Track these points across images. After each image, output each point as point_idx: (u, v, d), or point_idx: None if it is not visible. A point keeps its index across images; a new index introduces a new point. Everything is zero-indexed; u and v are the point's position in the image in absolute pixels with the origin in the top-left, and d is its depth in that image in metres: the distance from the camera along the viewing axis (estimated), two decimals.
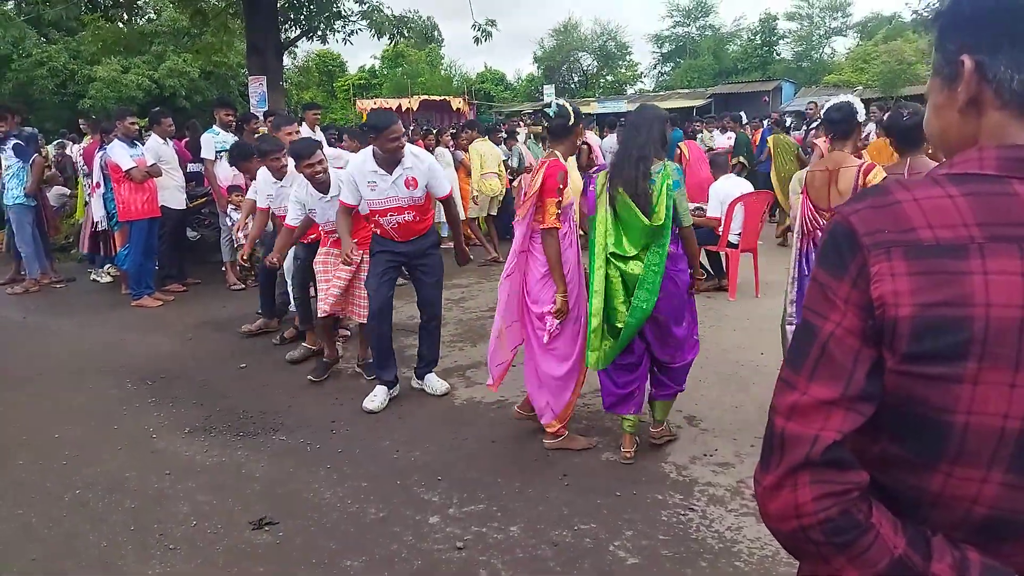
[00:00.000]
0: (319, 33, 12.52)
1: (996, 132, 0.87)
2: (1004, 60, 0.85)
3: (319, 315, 4.73)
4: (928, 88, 0.98)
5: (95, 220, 7.49)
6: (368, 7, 11.88)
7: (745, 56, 44.05)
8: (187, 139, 8.43)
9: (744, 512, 3.04)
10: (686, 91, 37.53)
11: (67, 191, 9.72)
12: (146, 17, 19.09)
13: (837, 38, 44.68)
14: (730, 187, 6.64)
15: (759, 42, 44.63)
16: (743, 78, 39.25)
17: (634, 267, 3.31)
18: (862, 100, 3.72)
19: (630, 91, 44.87)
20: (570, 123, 3.52)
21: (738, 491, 3.22)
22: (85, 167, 8.36)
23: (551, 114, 3.53)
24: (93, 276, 8.20)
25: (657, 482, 3.34)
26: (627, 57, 48.97)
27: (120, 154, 6.65)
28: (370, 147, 4.17)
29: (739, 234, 6.55)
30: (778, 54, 44.49)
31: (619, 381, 3.51)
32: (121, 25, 13.77)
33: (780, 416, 0.88)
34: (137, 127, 7.15)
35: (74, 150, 10.02)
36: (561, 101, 3.65)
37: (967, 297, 0.78)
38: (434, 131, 13.06)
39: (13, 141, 7.38)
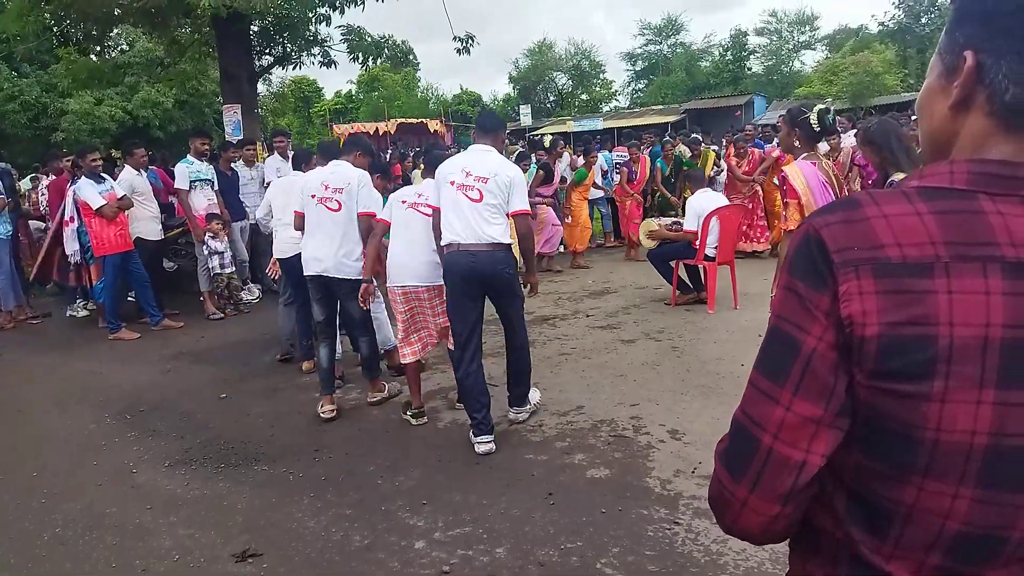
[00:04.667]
0: (293, 60, 12.53)
1: (975, 140, 0.86)
2: (1005, 68, 0.82)
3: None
4: (929, 67, 0.94)
5: (68, 254, 7.43)
6: (349, 31, 11.91)
7: (717, 71, 44.67)
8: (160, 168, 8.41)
9: None
10: (660, 107, 37.94)
11: (42, 224, 9.62)
12: (119, 48, 19.04)
13: (806, 51, 45.52)
14: (706, 201, 6.72)
15: (730, 57, 45.32)
16: (716, 93, 39.78)
17: None
18: (833, 111, 3.87)
19: (605, 109, 45.29)
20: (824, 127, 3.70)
21: None
22: (47, 205, 8.36)
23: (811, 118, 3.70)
24: (69, 312, 8.10)
25: (642, 497, 3.34)
26: (601, 76, 49.50)
27: (89, 193, 6.61)
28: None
29: (716, 247, 6.62)
30: (749, 69, 45.16)
31: None
32: (94, 58, 13.71)
33: (767, 433, 0.87)
34: (100, 162, 7.06)
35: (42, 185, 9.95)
36: (821, 106, 3.80)
37: (931, 316, 0.78)
38: (411, 155, 13.10)
39: None
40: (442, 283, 4.15)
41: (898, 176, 3.53)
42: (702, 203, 6.67)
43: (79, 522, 3.43)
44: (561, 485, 3.51)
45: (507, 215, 3.95)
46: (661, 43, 48.32)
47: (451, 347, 4.20)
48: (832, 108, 3.84)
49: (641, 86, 48.98)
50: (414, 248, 4.22)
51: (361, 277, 4.46)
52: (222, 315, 7.53)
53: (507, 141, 13.21)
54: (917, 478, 0.83)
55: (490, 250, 3.85)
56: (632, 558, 2.86)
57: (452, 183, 3.92)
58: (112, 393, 5.35)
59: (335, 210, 4.50)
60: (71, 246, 7.38)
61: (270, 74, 16.11)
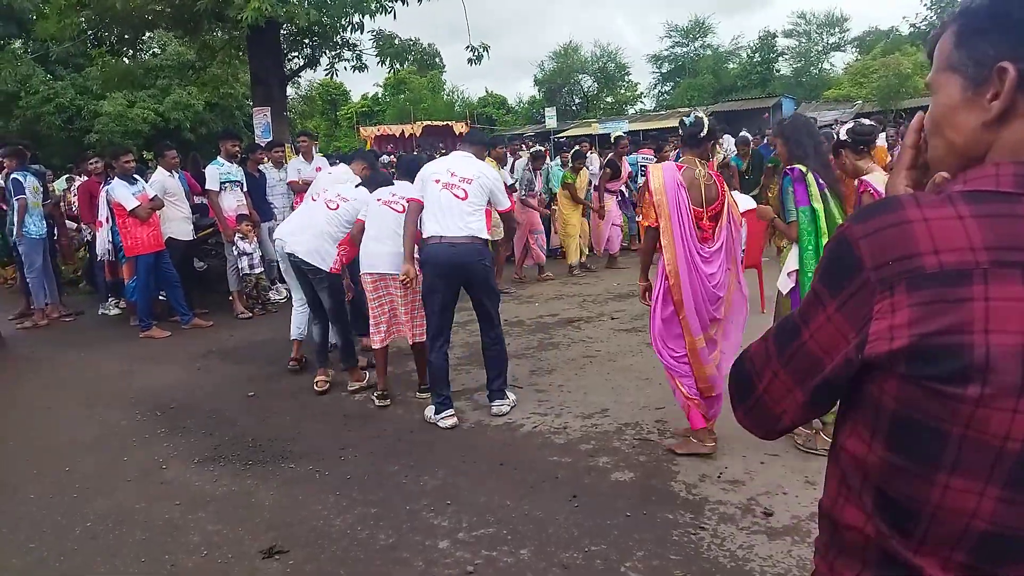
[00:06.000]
0: (322, 64, 12.68)
1: (1017, 145, 0.85)
2: None
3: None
4: (937, 85, 0.94)
5: (98, 254, 7.58)
6: (378, 36, 12.02)
7: (745, 73, 44.29)
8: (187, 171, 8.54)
9: (755, 530, 3.02)
10: (686, 109, 37.67)
11: (75, 225, 9.83)
12: (151, 52, 19.38)
13: (835, 53, 44.96)
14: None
15: (758, 59, 44.91)
16: (743, 95, 39.46)
17: None
18: (861, 114, 3.86)
19: (631, 111, 45.14)
20: (702, 134, 3.76)
21: (749, 509, 3.20)
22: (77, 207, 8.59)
23: (687, 123, 3.80)
24: (101, 310, 8.26)
25: (667, 502, 3.32)
26: (627, 78, 49.35)
27: (123, 194, 6.73)
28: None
29: (743, 250, 6.55)
30: (777, 71, 44.72)
31: None
32: (127, 61, 13.97)
33: (760, 382, 1.01)
34: (134, 163, 7.20)
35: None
36: (699, 114, 3.89)
37: (967, 324, 0.78)
38: (437, 157, 13.14)
39: (12, 178, 7.49)
40: None
41: (802, 168, 3.61)
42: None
43: (109, 517, 3.49)
44: (585, 488, 3.50)
45: (497, 212, 4.53)
46: (688, 45, 48.05)
47: (412, 340, 4.74)
48: (699, 114, 3.93)
49: (667, 88, 48.74)
50: (384, 239, 4.61)
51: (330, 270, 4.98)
52: (250, 315, 7.62)
53: (530, 143, 13.23)
54: (943, 476, 0.82)
55: (470, 242, 4.27)
56: (657, 562, 2.84)
57: (437, 181, 4.35)
58: (143, 390, 5.44)
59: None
60: (102, 246, 7.55)
61: (299, 77, 16.28)
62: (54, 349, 6.90)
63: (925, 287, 0.80)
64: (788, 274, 3.73)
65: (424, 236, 4.36)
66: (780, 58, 45.16)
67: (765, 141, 12.03)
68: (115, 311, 8.16)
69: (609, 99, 48.27)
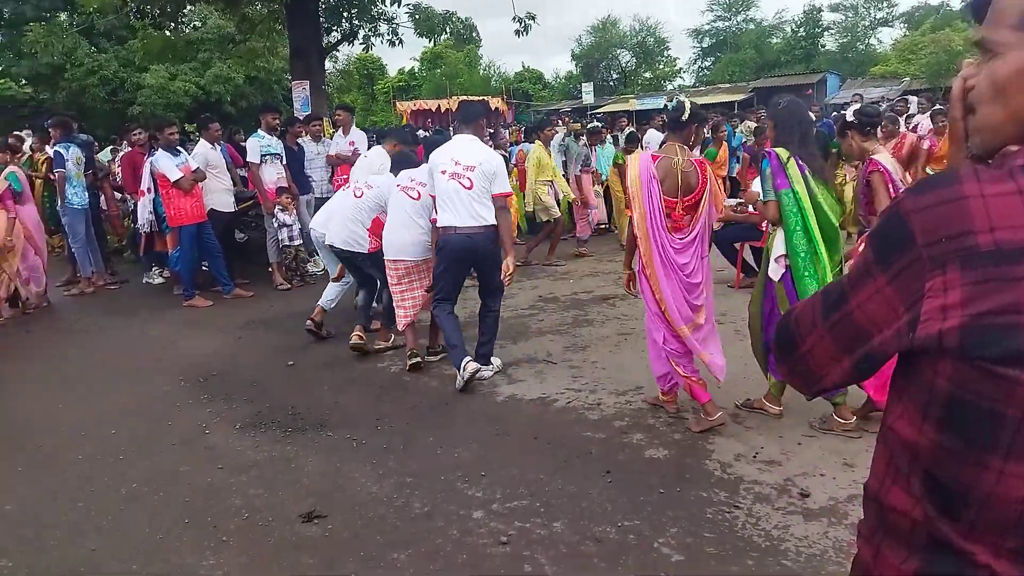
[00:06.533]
0: (360, 36, 12.67)
1: None
2: None
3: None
4: (1004, 44, 0.86)
5: (138, 224, 7.76)
6: (415, 8, 11.97)
7: (788, 48, 43.19)
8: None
9: (791, 511, 3.01)
10: (727, 86, 36.98)
11: (120, 195, 10.04)
12: (192, 25, 19.57)
13: (883, 28, 43.59)
14: None
15: (803, 34, 43.73)
16: (786, 71, 38.53)
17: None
18: (908, 91, 3.79)
19: (669, 87, 44.40)
20: (684, 117, 3.76)
21: (785, 489, 3.18)
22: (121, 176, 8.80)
23: (669, 107, 3.87)
24: (146, 279, 8.46)
25: (702, 480, 3.32)
26: (666, 53, 48.50)
27: (167, 165, 6.85)
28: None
29: None
30: (822, 46, 43.52)
31: None
32: (168, 33, 14.14)
33: (803, 344, 1.02)
34: (177, 135, 7.33)
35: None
36: (681, 97, 3.92)
37: (1022, 304, 0.76)
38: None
39: (53, 150, 7.67)
40: (427, 258, 4.92)
41: (783, 153, 3.56)
42: None
43: (154, 480, 3.60)
44: (619, 464, 3.51)
45: (493, 195, 4.54)
46: (730, 19, 46.99)
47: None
48: (681, 98, 3.94)
49: (708, 63, 47.81)
50: (401, 228, 4.87)
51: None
52: (289, 286, 7.74)
53: (569, 119, 13.11)
54: (997, 460, 0.81)
55: (484, 231, 4.50)
56: (691, 539, 2.85)
57: (444, 172, 4.49)
58: (186, 358, 5.58)
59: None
60: (143, 216, 7.72)
61: (337, 51, 16.32)
62: (100, 316, 7.10)
63: (979, 266, 0.78)
64: (776, 259, 3.67)
65: (439, 226, 4.61)
66: (825, 33, 43.92)
67: (825, 119, 11.68)
68: (159, 280, 8.35)
69: (647, 74, 47.52)
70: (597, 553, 2.80)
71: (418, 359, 4.98)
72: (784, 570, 2.64)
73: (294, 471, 3.63)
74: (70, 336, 6.49)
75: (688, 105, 3.75)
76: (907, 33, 38.09)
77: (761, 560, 2.70)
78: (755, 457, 3.50)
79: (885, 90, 27.40)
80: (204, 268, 7.65)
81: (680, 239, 3.70)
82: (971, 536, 0.85)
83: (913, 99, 12.59)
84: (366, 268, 5.38)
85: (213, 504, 3.33)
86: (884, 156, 3.73)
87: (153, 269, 8.44)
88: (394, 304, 5.06)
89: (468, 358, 4.55)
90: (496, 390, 4.58)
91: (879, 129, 3.80)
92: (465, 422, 4.13)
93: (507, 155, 9.79)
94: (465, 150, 4.54)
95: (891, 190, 3.63)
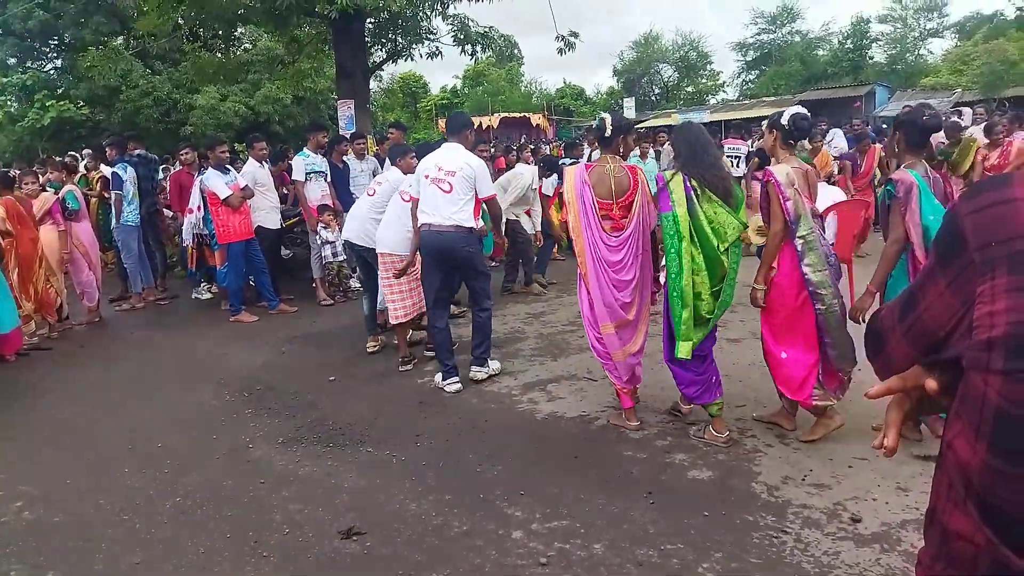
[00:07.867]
0: (403, 54, 12.86)
1: None
2: None
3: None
4: None
5: (184, 240, 7.96)
6: (456, 23, 12.12)
7: (835, 61, 42.39)
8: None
9: (842, 536, 2.90)
10: (772, 99, 36.47)
11: (170, 212, 10.32)
12: (242, 47, 20.17)
13: (933, 39, 42.49)
14: (821, 195, 6.38)
15: (850, 46, 42.91)
16: (833, 83, 37.84)
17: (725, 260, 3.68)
18: (960, 103, 3.69)
19: (712, 101, 43.99)
20: (607, 133, 4.03)
21: (835, 514, 3.07)
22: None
23: (593, 127, 4.20)
24: (195, 294, 8.66)
25: (747, 503, 3.22)
26: (708, 67, 48.11)
27: (217, 183, 7.00)
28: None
29: (832, 244, 6.27)
30: (871, 58, 42.62)
31: (698, 370, 3.82)
32: (220, 55, 14.59)
33: (887, 345, 1.05)
34: (228, 154, 7.54)
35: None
36: (603, 115, 4.17)
37: None
38: (514, 148, 13.19)
39: (112, 170, 7.92)
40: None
41: (667, 174, 3.71)
42: (818, 199, 6.34)
43: (198, 493, 3.65)
44: (661, 484, 3.44)
45: (480, 200, 4.84)
46: (775, 32, 46.40)
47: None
48: (603, 116, 4.15)
49: (752, 77, 47.25)
50: (391, 223, 5.32)
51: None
52: (332, 302, 7.84)
53: (664, 137, 13.08)
54: None
55: (453, 230, 4.71)
56: (736, 564, 2.76)
57: (427, 177, 4.79)
58: (232, 372, 5.67)
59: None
60: (188, 232, 7.91)
61: (382, 70, 16.63)
62: (150, 330, 7.28)
63: None
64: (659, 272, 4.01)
65: (418, 225, 4.89)
66: (874, 44, 43.04)
67: (871, 130, 11.27)
68: (207, 295, 8.55)
69: (690, 88, 47.19)
70: None
71: (409, 367, 5.43)
72: None
73: (334, 487, 3.64)
74: (120, 349, 6.66)
75: (609, 121, 4.04)
76: (958, 44, 37.12)
77: None
78: (804, 480, 3.39)
79: (936, 101, 26.70)
80: (251, 284, 7.80)
81: (616, 236, 3.94)
82: None
83: (967, 111, 12.22)
84: (376, 265, 5.57)
85: (255, 519, 3.35)
86: (778, 167, 3.77)
87: (202, 285, 8.64)
88: (385, 299, 5.42)
89: (454, 379, 4.90)
90: (536, 407, 4.54)
91: (807, 141, 3.91)
92: (505, 439, 4.10)
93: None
94: (448, 157, 4.80)
95: (782, 201, 3.69)
